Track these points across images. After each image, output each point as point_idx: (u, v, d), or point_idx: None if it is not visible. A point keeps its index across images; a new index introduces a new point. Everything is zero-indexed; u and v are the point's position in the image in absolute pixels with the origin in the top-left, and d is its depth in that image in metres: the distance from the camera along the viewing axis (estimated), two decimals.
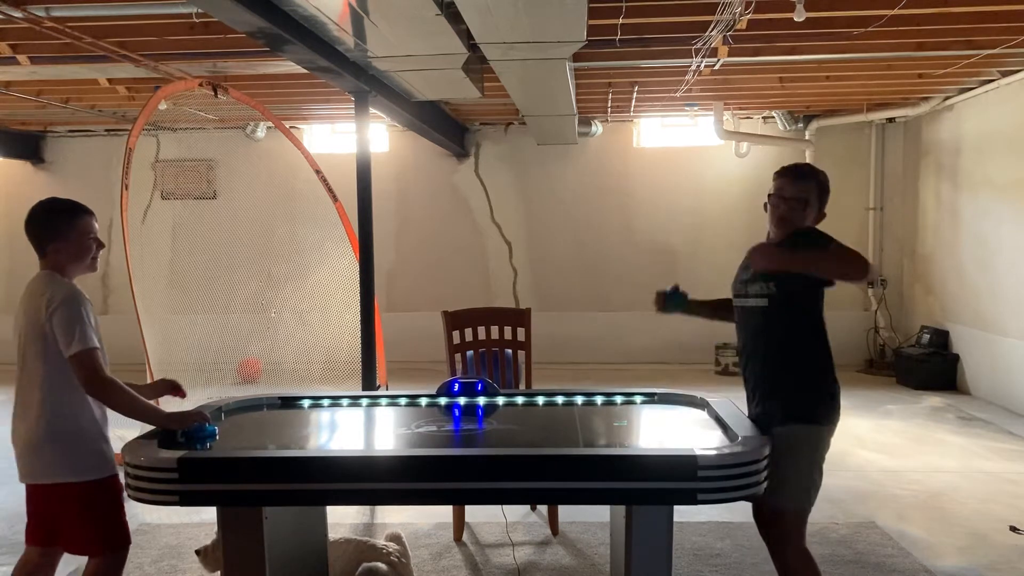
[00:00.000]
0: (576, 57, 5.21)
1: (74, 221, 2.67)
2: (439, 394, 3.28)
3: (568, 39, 4.38)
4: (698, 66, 5.79)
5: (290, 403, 3.29)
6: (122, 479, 2.59)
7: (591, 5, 3.91)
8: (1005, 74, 6.57)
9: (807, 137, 8.71)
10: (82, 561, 2.73)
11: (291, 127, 8.25)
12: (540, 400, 3.28)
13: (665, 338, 8.90)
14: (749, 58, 5.71)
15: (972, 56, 5.73)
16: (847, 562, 3.79)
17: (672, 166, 9.13)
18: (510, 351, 4.27)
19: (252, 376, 7.47)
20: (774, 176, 2.83)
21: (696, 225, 9.08)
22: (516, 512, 4.37)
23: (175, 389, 2.95)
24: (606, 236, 9.26)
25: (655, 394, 3.28)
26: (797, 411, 2.69)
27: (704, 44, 5.18)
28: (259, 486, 2.42)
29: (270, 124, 8.13)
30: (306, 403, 3.29)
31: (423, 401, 3.26)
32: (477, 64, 5.19)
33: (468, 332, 4.23)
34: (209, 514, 3.66)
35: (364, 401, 3.33)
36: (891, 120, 8.55)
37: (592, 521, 4.17)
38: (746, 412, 2.85)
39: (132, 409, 2.59)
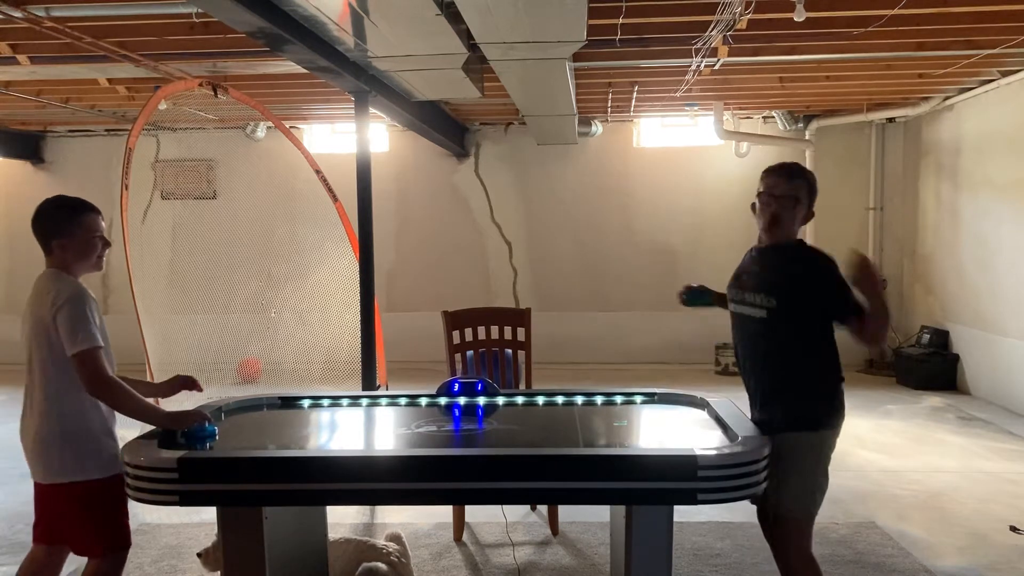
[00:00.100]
0: (576, 57, 5.21)
1: (80, 218, 2.67)
2: (439, 394, 3.28)
3: (568, 39, 4.37)
4: (698, 66, 5.79)
5: (290, 403, 3.29)
6: None
7: (591, 5, 3.91)
8: (1005, 74, 6.57)
9: (807, 137, 8.71)
10: (82, 562, 2.74)
11: (291, 127, 8.25)
12: (540, 400, 3.28)
13: (665, 338, 8.92)
14: (749, 58, 5.71)
15: (972, 56, 5.73)
16: (847, 562, 3.79)
17: (672, 166, 9.13)
18: (510, 351, 4.27)
19: (252, 376, 7.46)
20: (763, 175, 2.78)
21: (696, 225, 9.07)
22: (516, 512, 4.37)
23: (192, 384, 2.94)
24: (606, 236, 9.25)
25: (655, 394, 3.28)
26: (800, 416, 2.67)
27: (704, 44, 5.18)
28: (259, 486, 2.43)
29: (270, 124, 8.13)
30: (306, 403, 3.29)
31: (423, 401, 3.26)
32: (477, 64, 5.19)
33: (468, 332, 4.24)
34: (209, 514, 3.66)
35: (364, 401, 3.33)
36: (891, 120, 8.54)
37: (592, 521, 4.17)
38: (747, 413, 2.84)
39: (133, 409, 2.59)
